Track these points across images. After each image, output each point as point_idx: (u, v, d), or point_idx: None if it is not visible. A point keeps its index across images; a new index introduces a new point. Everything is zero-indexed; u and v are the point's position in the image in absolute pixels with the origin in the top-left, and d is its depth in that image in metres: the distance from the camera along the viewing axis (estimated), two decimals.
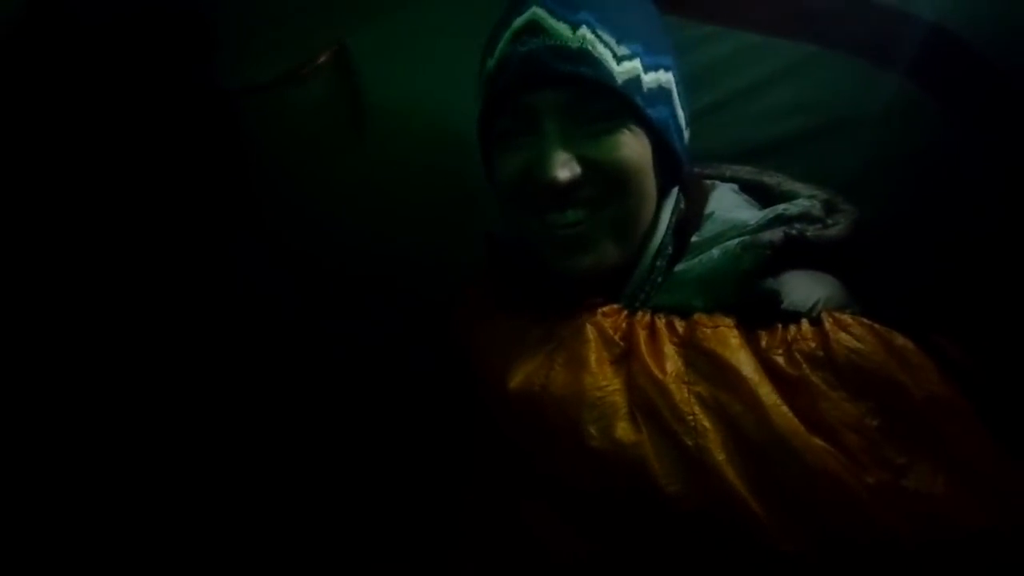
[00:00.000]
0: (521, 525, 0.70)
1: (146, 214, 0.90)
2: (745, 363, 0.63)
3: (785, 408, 0.60)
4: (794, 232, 0.68)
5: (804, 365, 0.62)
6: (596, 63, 0.69)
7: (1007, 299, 0.78)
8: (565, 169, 0.68)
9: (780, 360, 0.62)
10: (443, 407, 0.86)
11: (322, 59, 0.94)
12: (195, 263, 0.95)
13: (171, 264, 0.93)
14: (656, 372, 0.65)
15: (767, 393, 0.61)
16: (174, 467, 0.89)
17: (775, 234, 0.68)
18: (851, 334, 0.62)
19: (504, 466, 0.74)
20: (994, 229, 0.82)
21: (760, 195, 0.77)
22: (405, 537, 0.84)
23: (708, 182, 0.78)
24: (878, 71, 0.89)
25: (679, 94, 0.75)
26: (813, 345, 0.62)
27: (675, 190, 0.76)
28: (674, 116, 0.74)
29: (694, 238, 0.72)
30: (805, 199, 0.73)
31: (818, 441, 0.59)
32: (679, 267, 0.71)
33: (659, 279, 0.73)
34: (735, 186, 0.78)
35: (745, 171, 0.81)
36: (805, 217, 0.71)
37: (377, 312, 0.98)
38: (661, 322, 0.69)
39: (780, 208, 0.72)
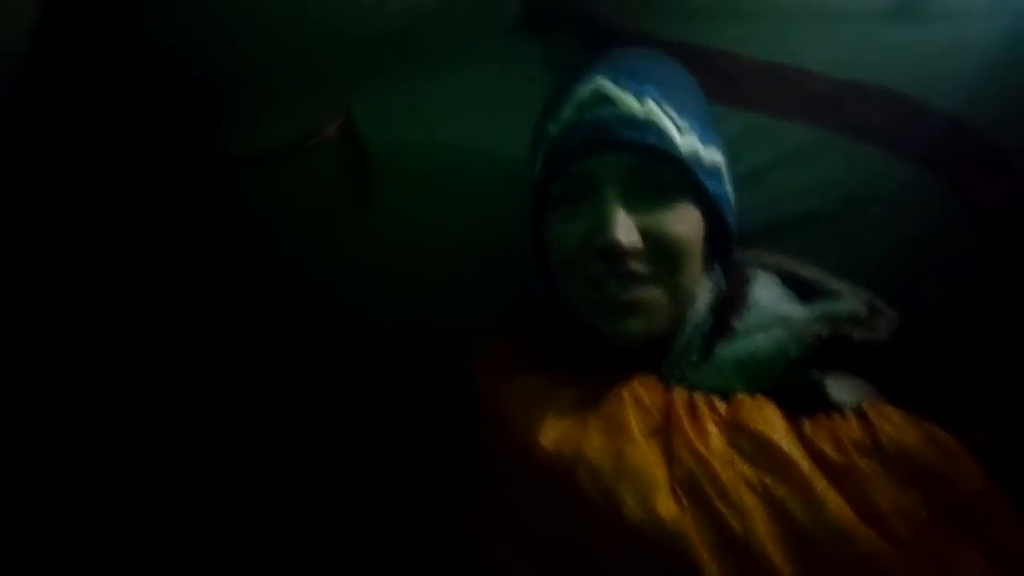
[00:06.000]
0: None
1: (142, 287, 0.85)
2: (793, 446, 0.63)
3: (836, 494, 0.61)
4: (841, 332, 0.70)
5: (852, 452, 0.63)
6: (662, 133, 0.71)
7: None
8: (630, 233, 0.69)
9: (826, 447, 0.63)
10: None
11: (328, 130, 0.93)
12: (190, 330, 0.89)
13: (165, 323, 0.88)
14: (701, 448, 0.65)
15: (817, 478, 0.62)
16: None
17: (823, 330, 0.70)
18: (895, 424, 0.64)
19: (511, 530, 0.72)
20: (1012, 322, 0.85)
21: (797, 288, 0.79)
22: None
23: (749, 268, 0.80)
24: (889, 157, 0.92)
25: (728, 174, 0.77)
26: (859, 434, 0.63)
27: (716, 267, 0.77)
28: (726, 193, 0.76)
29: (737, 324, 0.73)
30: (851, 299, 0.75)
31: (869, 530, 0.59)
32: (720, 349, 0.72)
33: (693, 356, 0.73)
34: (777, 278, 0.79)
35: (784, 261, 0.82)
36: (851, 318, 0.72)
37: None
38: (701, 400, 0.69)
39: (828, 306, 0.73)
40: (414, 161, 0.96)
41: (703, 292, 0.75)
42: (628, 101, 0.71)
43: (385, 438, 0.93)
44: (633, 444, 0.66)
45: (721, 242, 0.76)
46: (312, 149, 0.92)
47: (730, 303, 0.75)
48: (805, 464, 0.62)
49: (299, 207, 0.94)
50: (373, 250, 0.96)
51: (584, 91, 0.73)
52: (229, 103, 0.85)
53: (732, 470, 0.64)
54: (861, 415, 0.65)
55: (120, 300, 0.83)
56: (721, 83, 0.94)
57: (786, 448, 0.63)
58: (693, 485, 0.64)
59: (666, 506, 0.63)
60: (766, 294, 0.76)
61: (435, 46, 0.92)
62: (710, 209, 0.74)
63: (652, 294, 0.70)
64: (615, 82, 0.72)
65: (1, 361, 0.77)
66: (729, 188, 0.77)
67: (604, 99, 0.72)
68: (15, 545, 0.76)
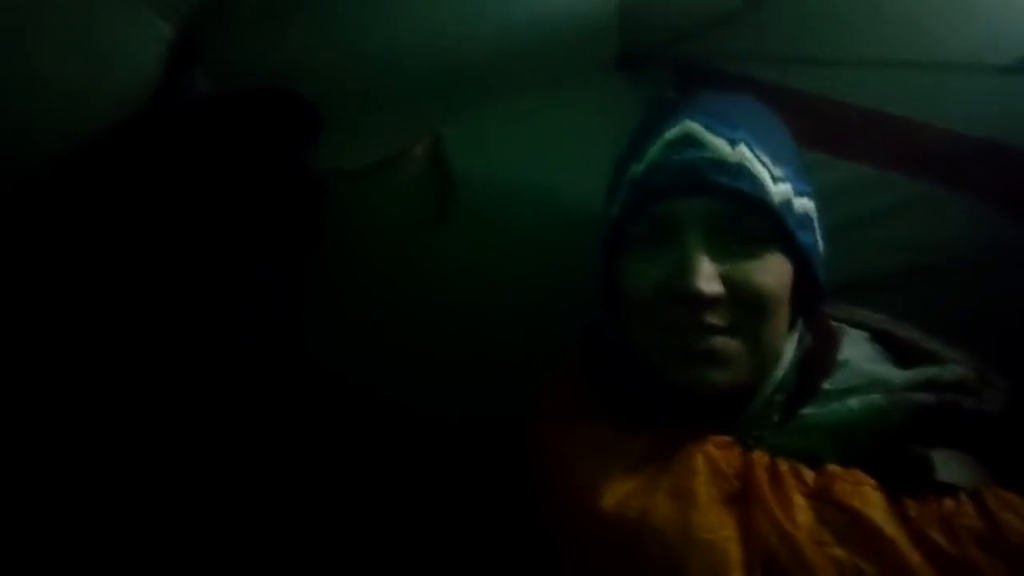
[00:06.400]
0: None
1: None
2: (896, 530, 0.55)
3: None
4: (949, 401, 0.63)
5: (968, 543, 0.54)
6: (754, 180, 0.65)
7: None
8: (712, 283, 0.63)
9: (936, 535, 0.54)
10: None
11: (417, 149, 0.93)
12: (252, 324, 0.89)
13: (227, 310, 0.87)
14: (785, 523, 0.57)
15: (926, 571, 0.53)
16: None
17: (928, 398, 0.63)
18: (1020, 514, 0.55)
19: None
20: None
21: (890, 348, 0.71)
22: None
23: (836, 324, 0.73)
24: (998, 215, 0.87)
25: (819, 225, 0.71)
26: (978, 523, 0.55)
27: (802, 323, 0.71)
28: (816, 244, 0.70)
29: (826, 385, 0.66)
30: (958, 366, 0.67)
31: None
32: (807, 411, 0.65)
33: (775, 417, 0.66)
34: (867, 335, 0.72)
35: (875, 318, 0.75)
36: (960, 386, 0.65)
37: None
38: (785, 466, 0.61)
39: (932, 371, 0.66)
40: (496, 192, 0.94)
41: (788, 349, 0.68)
42: (719, 145, 0.66)
43: (434, 465, 0.90)
44: (703, 513, 0.59)
45: (809, 296, 0.70)
46: (398, 168, 0.92)
47: (817, 362, 0.68)
48: (912, 553, 0.54)
49: (378, 224, 0.94)
50: (445, 275, 0.94)
51: (672, 132, 0.68)
52: (328, 121, 0.86)
53: (821, 551, 0.56)
54: (978, 500, 0.56)
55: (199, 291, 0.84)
56: (823, 130, 0.90)
57: (889, 532, 0.55)
58: (773, 563, 0.56)
59: None
60: (856, 353, 0.69)
61: (531, 78, 0.93)
62: (799, 261, 0.67)
63: (734, 345, 0.64)
64: (705, 126, 0.67)
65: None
66: (820, 240, 0.71)
67: (694, 142, 0.67)
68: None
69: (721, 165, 0.65)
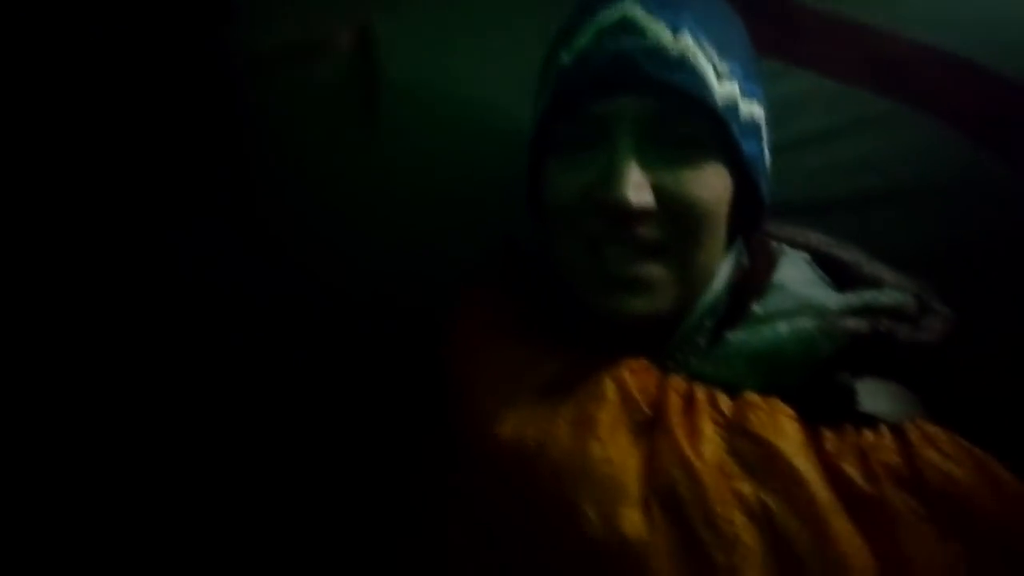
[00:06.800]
0: None
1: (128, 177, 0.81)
2: (809, 467, 0.50)
3: (855, 532, 0.48)
4: (883, 329, 0.58)
5: (883, 481, 0.49)
6: (696, 75, 0.58)
7: None
8: (642, 193, 0.57)
9: (851, 470, 0.50)
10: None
11: (343, 37, 0.86)
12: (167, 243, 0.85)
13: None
14: (689, 454, 0.52)
15: (834, 508, 0.49)
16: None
17: (861, 324, 0.58)
18: (942, 451, 0.50)
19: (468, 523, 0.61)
20: None
21: (832, 271, 0.66)
22: None
23: (775, 244, 0.67)
24: (966, 139, 0.81)
25: (767, 135, 0.65)
26: (896, 459, 0.50)
27: (740, 241, 0.65)
28: (762, 156, 0.63)
29: (756, 308, 0.61)
30: (897, 291, 0.62)
31: None
32: (733, 336, 0.60)
33: (702, 341, 0.61)
34: (807, 256, 0.67)
35: (818, 239, 0.69)
36: (896, 313, 0.60)
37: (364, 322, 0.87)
38: (701, 393, 0.56)
39: (870, 295, 0.61)
40: (429, 88, 0.87)
41: (722, 270, 0.63)
42: (659, 32, 0.59)
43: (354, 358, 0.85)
44: (603, 442, 0.55)
45: (749, 213, 0.64)
46: (322, 56, 0.86)
47: (751, 283, 0.63)
48: (822, 489, 0.50)
49: (302, 112, 0.88)
50: (371, 167, 0.88)
51: (607, 16, 0.60)
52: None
53: (726, 485, 0.51)
54: (898, 433, 0.52)
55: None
56: (778, 34, 0.82)
57: (799, 466, 0.50)
58: (672, 498, 0.51)
59: (631, 521, 0.51)
60: (793, 274, 0.63)
61: None
62: (741, 173, 0.61)
63: (658, 271, 0.59)
64: (646, 8, 0.60)
65: None
66: (767, 151, 0.65)
67: (630, 27, 0.59)
68: None
69: (659, 55, 0.58)
